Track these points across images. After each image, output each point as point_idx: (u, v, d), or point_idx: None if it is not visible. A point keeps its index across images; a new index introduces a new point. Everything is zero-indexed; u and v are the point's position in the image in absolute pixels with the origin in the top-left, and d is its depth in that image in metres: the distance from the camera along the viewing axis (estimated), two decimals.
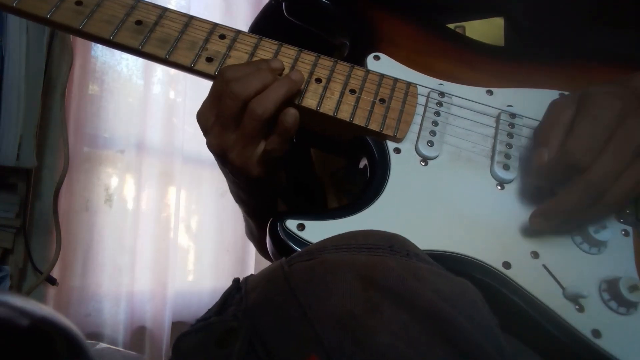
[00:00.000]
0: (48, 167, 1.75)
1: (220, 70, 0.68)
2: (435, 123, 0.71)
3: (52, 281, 1.70)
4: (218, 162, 0.74)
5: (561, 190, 0.62)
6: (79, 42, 1.79)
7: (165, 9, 0.72)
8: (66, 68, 1.73)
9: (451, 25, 0.85)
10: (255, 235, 1.01)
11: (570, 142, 0.61)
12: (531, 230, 0.66)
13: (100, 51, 1.86)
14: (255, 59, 0.71)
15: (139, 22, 0.71)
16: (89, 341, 1.62)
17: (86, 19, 0.69)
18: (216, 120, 0.68)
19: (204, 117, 0.70)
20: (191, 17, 0.73)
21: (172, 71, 1.89)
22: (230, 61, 0.70)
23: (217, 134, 0.68)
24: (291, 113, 0.67)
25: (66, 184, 1.75)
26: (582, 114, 0.62)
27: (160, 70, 1.94)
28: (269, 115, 0.66)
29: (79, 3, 0.70)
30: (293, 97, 0.69)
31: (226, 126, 0.67)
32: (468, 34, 0.84)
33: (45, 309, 0.50)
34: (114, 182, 1.89)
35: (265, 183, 0.74)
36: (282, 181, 0.79)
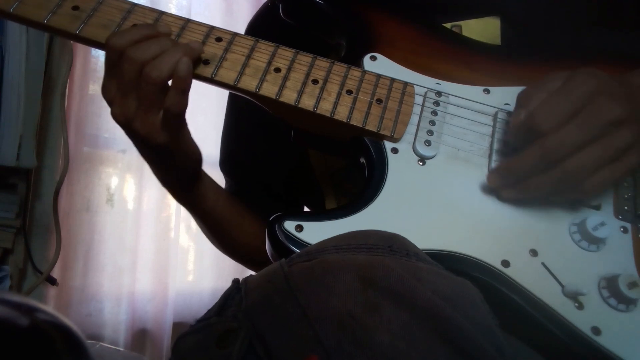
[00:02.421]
0: (48, 167, 1.75)
1: (107, 40, 0.68)
2: (433, 122, 0.72)
3: (52, 281, 1.70)
4: (128, 136, 0.74)
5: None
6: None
7: (161, 13, 0.72)
8: (66, 68, 1.73)
9: (448, 25, 0.85)
10: (201, 226, 1.02)
11: (538, 106, 0.62)
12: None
13: (101, 51, 1.86)
14: (251, 61, 0.71)
15: (135, 26, 0.71)
16: (89, 341, 1.62)
17: (83, 24, 0.69)
18: (117, 89, 0.68)
19: (105, 90, 0.70)
20: (188, 20, 0.72)
21: None
22: (226, 64, 0.70)
23: (119, 103, 0.69)
24: (183, 61, 0.67)
25: (66, 184, 1.74)
26: (561, 86, 0.63)
27: None
28: (164, 79, 0.66)
29: (75, 8, 0.70)
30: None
31: (126, 93, 0.68)
32: (464, 33, 0.84)
33: (45, 309, 0.50)
34: (114, 182, 1.88)
35: (174, 152, 0.74)
36: (194, 153, 0.79)
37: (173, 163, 0.77)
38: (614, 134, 0.61)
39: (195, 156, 0.80)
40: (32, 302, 0.50)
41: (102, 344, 1.65)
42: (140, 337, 1.86)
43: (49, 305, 1.70)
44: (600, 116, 0.60)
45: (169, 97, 0.67)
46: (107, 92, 0.70)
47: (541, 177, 0.63)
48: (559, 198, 0.66)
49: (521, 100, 0.66)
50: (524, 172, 0.64)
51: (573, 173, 0.61)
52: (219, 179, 2.21)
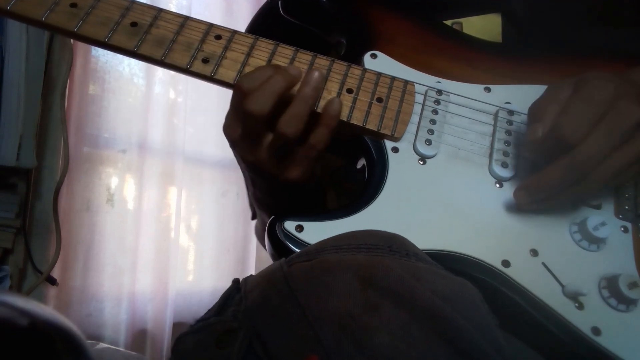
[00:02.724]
0: (48, 167, 1.75)
1: (237, 83, 0.67)
2: (433, 121, 0.71)
3: (52, 281, 1.70)
4: (251, 170, 0.72)
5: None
6: (80, 42, 1.79)
7: (160, 10, 0.72)
8: (66, 68, 1.73)
9: (448, 22, 0.85)
10: None
11: (561, 118, 0.61)
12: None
13: (101, 51, 1.85)
14: (251, 59, 0.71)
15: (134, 24, 0.70)
16: (89, 341, 1.62)
17: (81, 22, 0.69)
18: (243, 137, 0.67)
19: (230, 130, 0.68)
20: (187, 18, 0.72)
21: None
22: (226, 62, 0.70)
23: (248, 150, 0.68)
24: (335, 102, 0.67)
25: (66, 184, 1.74)
26: (576, 95, 0.62)
27: (161, 70, 1.94)
28: (300, 133, 0.65)
29: (73, 5, 0.70)
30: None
31: (255, 143, 0.67)
32: (465, 30, 0.84)
33: (45, 309, 0.50)
34: (114, 182, 1.88)
35: (304, 183, 0.72)
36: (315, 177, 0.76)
37: (294, 190, 0.75)
38: (637, 136, 0.61)
39: (312, 183, 0.77)
40: (32, 302, 0.50)
41: (102, 343, 1.65)
42: (140, 337, 1.85)
43: (49, 305, 1.70)
44: (625, 121, 0.60)
45: (316, 135, 0.67)
46: (232, 133, 0.68)
47: (573, 190, 0.63)
48: (583, 203, 0.66)
49: (535, 114, 0.65)
50: (555, 186, 0.63)
51: (604, 181, 0.61)
52: (219, 178, 2.20)
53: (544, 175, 0.63)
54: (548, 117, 0.63)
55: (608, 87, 0.61)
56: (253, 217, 1.04)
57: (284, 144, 0.66)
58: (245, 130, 0.66)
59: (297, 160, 0.68)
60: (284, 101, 0.65)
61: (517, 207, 0.66)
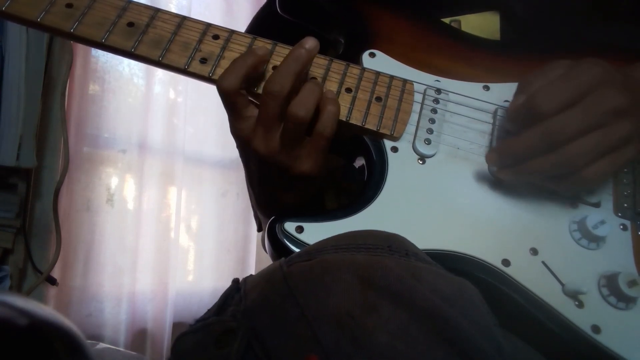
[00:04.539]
0: (48, 167, 1.75)
1: (218, 83, 0.66)
2: (432, 120, 0.71)
3: (52, 281, 1.70)
4: (260, 165, 0.71)
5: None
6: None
7: (157, 10, 0.71)
8: (66, 68, 1.73)
9: (447, 20, 0.84)
10: None
11: (541, 90, 0.62)
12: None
13: (101, 51, 1.85)
14: None
15: (130, 24, 0.70)
16: (89, 341, 1.62)
17: (77, 22, 0.68)
18: (257, 125, 0.66)
19: (238, 130, 0.68)
20: (184, 18, 0.72)
21: None
22: (224, 62, 0.69)
23: (262, 138, 0.66)
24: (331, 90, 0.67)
25: (66, 184, 1.74)
26: (564, 73, 0.63)
27: (161, 70, 1.93)
28: (311, 114, 0.65)
29: (69, 5, 0.69)
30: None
31: (269, 128, 0.65)
32: (464, 28, 0.84)
33: (45, 309, 0.50)
34: (114, 182, 1.88)
35: (315, 177, 0.71)
36: (324, 175, 0.74)
37: (303, 187, 0.74)
38: (615, 123, 0.61)
39: (319, 180, 0.75)
40: (32, 302, 0.50)
41: (102, 343, 1.65)
42: (140, 337, 1.86)
43: (49, 305, 1.70)
44: (603, 104, 0.60)
45: (321, 122, 0.66)
46: (240, 131, 0.68)
47: (539, 160, 0.62)
48: (556, 185, 0.65)
49: (522, 86, 0.66)
50: (523, 152, 0.63)
51: (572, 158, 0.61)
52: (219, 178, 2.20)
53: (515, 140, 0.64)
54: (531, 89, 0.63)
55: (596, 71, 0.61)
56: (259, 230, 1.03)
57: (296, 129, 0.65)
58: (260, 117, 0.65)
59: (308, 151, 0.67)
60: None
61: (491, 175, 0.68)
